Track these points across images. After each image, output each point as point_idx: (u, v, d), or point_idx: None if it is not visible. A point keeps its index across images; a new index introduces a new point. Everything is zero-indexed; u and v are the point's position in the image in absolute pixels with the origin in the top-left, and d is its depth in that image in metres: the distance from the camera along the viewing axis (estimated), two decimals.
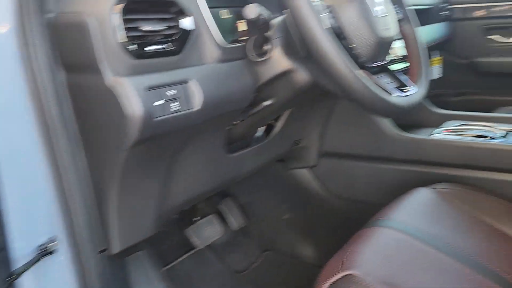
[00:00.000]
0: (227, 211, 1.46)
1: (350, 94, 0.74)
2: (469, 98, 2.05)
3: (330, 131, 1.26)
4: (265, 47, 0.83)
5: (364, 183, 1.25)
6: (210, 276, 1.38)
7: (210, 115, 0.76)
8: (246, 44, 0.83)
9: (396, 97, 0.79)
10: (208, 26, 0.76)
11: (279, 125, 1.10)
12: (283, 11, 0.80)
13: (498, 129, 1.15)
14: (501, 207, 0.99)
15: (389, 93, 0.79)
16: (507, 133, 1.13)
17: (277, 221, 1.48)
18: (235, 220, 1.48)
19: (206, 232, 1.39)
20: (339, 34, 0.77)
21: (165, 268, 1.30)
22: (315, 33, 0.71)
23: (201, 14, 0.76)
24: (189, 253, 1.37)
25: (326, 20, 0.76)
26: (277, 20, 0.82)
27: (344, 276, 0.72)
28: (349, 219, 1.31)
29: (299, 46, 0.79)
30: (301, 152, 1.29)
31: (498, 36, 2.01)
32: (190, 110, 0.72)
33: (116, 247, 0.80)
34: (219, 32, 0.78)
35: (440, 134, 1.18)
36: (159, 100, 0.67)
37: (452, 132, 1.18)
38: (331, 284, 0.72)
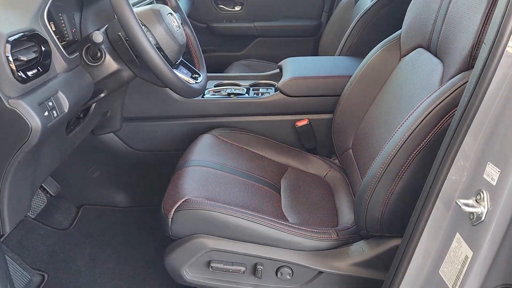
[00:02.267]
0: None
1: (170, 86, 1.13)
2: (210, 55, 2.65)
3: (129, 101, 1.60)
4: (98, 55, 1.12)
5: (161, 137, 1.66)
6: (40, 239, 1.59)
7: (73, 113, 1.03)
8: (82, 53, 1.10)
9: (195, 85, 1.23)
10: (55, 47, 1.00)
11: (94, 104, 1.38)
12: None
13: (243, 87, 1.74)
14: (253, 138, 1.58)
15: (189, 82, 1.22)
16: (247, 89, 1.72)
17: (89, 180, 1.76)
18: (51, 188, 1.68)
19: (33, 203, 1.57)
20: (157, 46, 1.13)
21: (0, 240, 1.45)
22: (146, 48, 1.05)
23: (52, 37, 0.99)
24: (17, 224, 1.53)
25: (149, 36, 1.11)
26: (102, 34, 1.11)
27: (183, 201, 1.15)
28: (153, 166, 1.72)
29: (126, 53, 1.11)
30: (108, 120, 1.59)
31: (224, 6, 2.64)
32: (63, 114, 0.98)
33: (6, 228, 1.00)
34: (62, 49, 1.02)
35: (209, 94, 1.69)
36: (46, 111, 0.91)
37: (215, 92, 1.70)
38: (175, 209, 1.15)
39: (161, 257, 1.18)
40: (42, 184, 1.64)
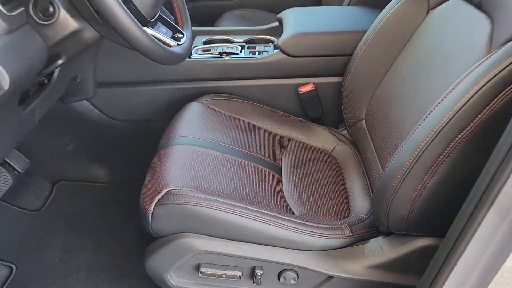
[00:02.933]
0: (7, 157, 1.43)
1: (140, 49, 0.89)
2: (197, 5, 2.33)
3: (103, 64, 1.35)
4: (50, 10, 0.86)
5: (142, 105, 1.43)
6: (8, 223, 1.39)
7: (21, 87, 0.79)
8: (28, 8, 0.84)
9: (177, 48, 0.98)
10: None
11: (58, 69, 1.14)
12: None
13: (236, 43, 1.48)
14: (248, 107, 1.36)
15: (169, 45, 0.97)
16: (242, 46, 1.47)
17: (63, 153, 1.54)
18: (18, 164, 1.46)
19: None
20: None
21: None
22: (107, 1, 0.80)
23: None
24: None
25: None
26: None
27: (166, 193, 0.95)
28: (135, 137, 1.50)
29: (85, 8, 0.86)
30: (78, 86, 1.35)
31: None
32: (2, 92, 0.74)
33: None
34: None
35: (196, 54, 1.43)
36: None
37: (204, 51, 1.45)
38: (156, 202, 0.94)
39: (146, 245, 1.00)
40: (8, 160, 1.43)
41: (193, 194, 0.94)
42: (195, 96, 1.38)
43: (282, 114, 1.37)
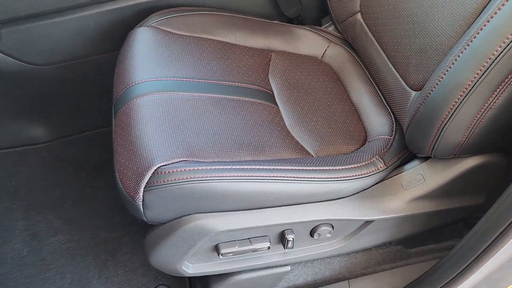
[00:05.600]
0: None
1: None
2: None
3: None
4: None
5: (64, 40, 1.08)
6: None
7: None
8: None
9: None
10: None
11: None
12: None
13: None
14: (210, 19, 1.05)
15: None
16: None
17: None
18: None
19: None
20: None
21: None
22: None
23: None
24: None
25: None
26: None
27: (153, 172, 0.71)
28: (65, 82, 1.18)
29: None
30: None
31: None
32: None
33: None
34: None
35: None
36: None
37: None
38: (145, 187, 0.71)
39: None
40: None
41: (189, 168, 0.71)
42: (136, 18, 1.05)
43: (253, 20, 1.09)
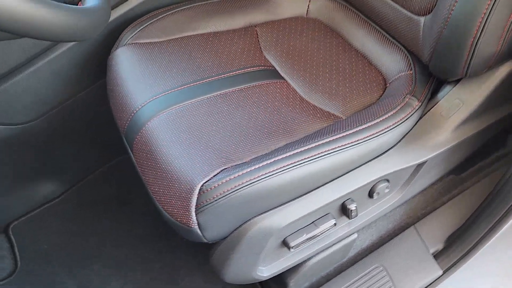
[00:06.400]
0: None
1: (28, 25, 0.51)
2: None
3: None
4: None
5: (41, 91, 1.00)
6: None
7: None
8: None
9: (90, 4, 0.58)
10: None
11: None
12: None
13: None
14: (183, 14, 0.99)
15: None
16: None
17: None
18: None
19: None
20: None
21: None
22: None
23: None
24: None
25: None
26: None
27: (199, 193, 0.67)
28: (57, 131, 1.12)
29: None
30: None
31: None
32: None
33: None
34: None
35: None
36: None
37: None
38: (196, 208, 0.67)
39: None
40: None
41: (233, 176, 0.67)
42: (109, 39, 0.98)
43: (225, 1, 1.03)
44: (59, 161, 1.18)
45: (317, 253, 0.82)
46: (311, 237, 0.74)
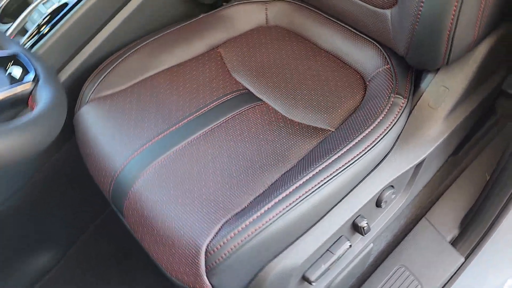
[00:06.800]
0: None
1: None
2: None
3: None
4: None
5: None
6: None
7: None
8: None
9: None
10: None
11: None
12: None
13: None
14: (140, 54, 0.93)
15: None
16: None
17: None
18: None
19: None
20: None
21: None
22: None
23: None
24: None
25: None
26: None
27: (205, 255, 0.63)
28: (35, 205, 1.06)
29: None
30: None
31: None
32: None
33: None
34: None
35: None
36: None
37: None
38: (206, 271, 0.63)
39: None
40: None
41: (237, 230, 0.62)
42: (69, 99, 0.92)
43: (179, 29, 0.97)
44: (49, 228, 1.12)
45: (339, 273, 0.79)
46: (329, 266, 0.71)
